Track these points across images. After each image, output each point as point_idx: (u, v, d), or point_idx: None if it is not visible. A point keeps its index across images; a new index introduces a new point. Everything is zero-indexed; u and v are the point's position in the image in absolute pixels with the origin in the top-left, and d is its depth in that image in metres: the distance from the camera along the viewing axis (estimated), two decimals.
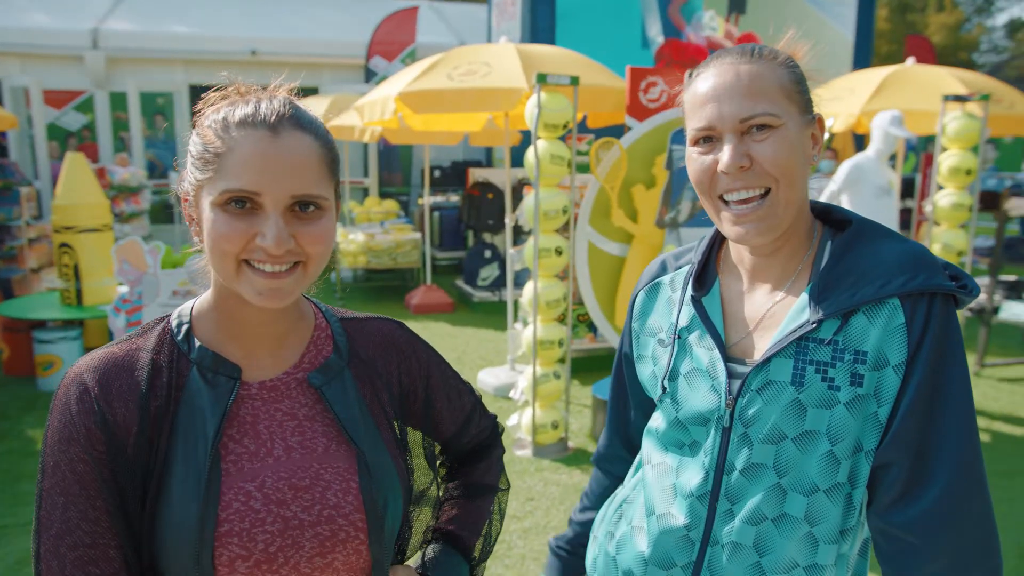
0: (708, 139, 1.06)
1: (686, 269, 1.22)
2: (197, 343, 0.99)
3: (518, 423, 4.69)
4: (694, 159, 1.08)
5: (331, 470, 1.00)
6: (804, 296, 1.07)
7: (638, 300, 1.28)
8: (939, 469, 0.99)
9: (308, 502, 0.98)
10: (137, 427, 0.93)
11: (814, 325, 1.03)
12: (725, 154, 1.03)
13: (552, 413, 4.58)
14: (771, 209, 1.04)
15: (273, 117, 0.92)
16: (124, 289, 4.87)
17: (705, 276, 1.19)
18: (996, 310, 6.41)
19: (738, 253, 1.17)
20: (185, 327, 1.00)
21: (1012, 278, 6.73)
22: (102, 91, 11.20)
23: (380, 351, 1.13)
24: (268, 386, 1.02)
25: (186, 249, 5.88)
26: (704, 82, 1.07)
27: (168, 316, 1.03)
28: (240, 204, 0.90)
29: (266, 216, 0.90)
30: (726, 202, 1.06)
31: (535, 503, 3.90)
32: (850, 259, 1.06)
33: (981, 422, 5.14)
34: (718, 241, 1.22)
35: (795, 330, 1.05)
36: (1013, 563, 3.38)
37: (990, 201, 6.19)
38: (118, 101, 11.22)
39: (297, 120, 0.94)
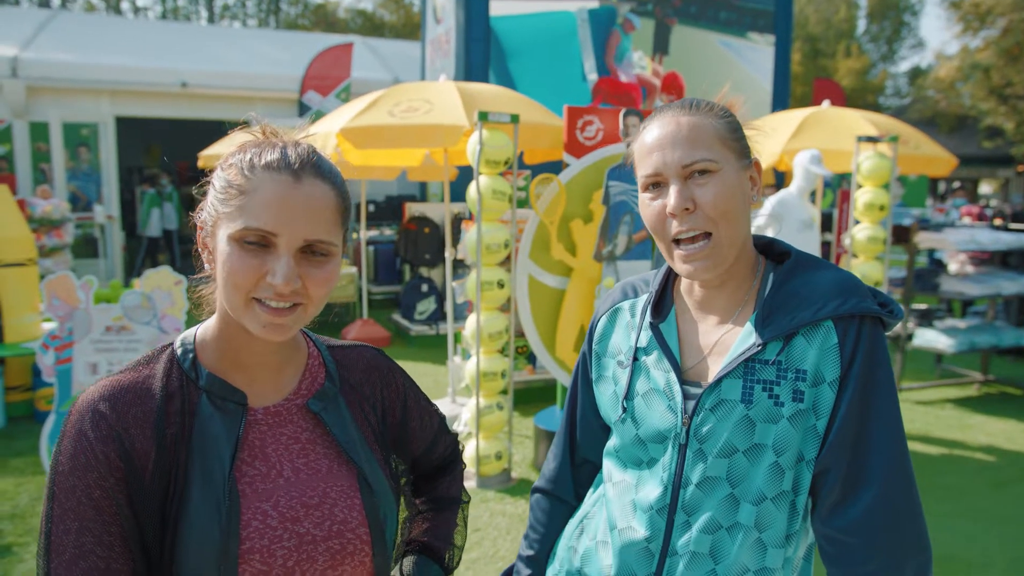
0: (656, 185, 1.18)
1: (644, 297, 1.32)
2: (205, 371, 1.04)
3: None
4: (647, 205, 1.20)
5: (336, 488, 1.07)
6: (750, 323, 1.18)
7: (599, 324, 1.38)
8: (872, 475, 1.11)
9: (319, 519, 1.04)
10: (155, 453, 0.96)
11: (760, 347, 1.14)
12: (672, 197, 1.15)
13: (496, 444, 4.62)
14: (715, 248, 1.15)
15: (297, 164, 0.99)
16: (52, 325, 4.70)
17: (662, 305, 1.30)
18: (910, 337, 6.80)
19: (688, 286, 1.28)
20: (191, 355, 1.05)
21: (923, 307, 7.16)
22: (21, 121, 10.80)
23: (365, 376, 1.21)
24: (272, 412, 1.08)
25: (114, 284, 5.70)
26: (650, 134, 1.19)
27: (171, 344, 1.08)
28: (256, 242, 0.96)
29: (278, 256, 0.96)
30: (677, 242, 1.18)
31: (482, 533, 3.93)
32: (789, 287, 1.18)
33: None
34: (673, 273, 1.33)
35: (743, 352, 1.16)
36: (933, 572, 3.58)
37: (901, 235, 6.60)
38: (39, 131, 10.83)
39: (319, 168, 1.01)
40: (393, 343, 8.54)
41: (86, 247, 10.71)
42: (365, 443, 1.14)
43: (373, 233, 10.93)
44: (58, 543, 0.92)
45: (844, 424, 1.12)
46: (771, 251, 1.28)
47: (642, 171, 1.20)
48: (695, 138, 1.15)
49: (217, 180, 1.01)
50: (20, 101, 10.65)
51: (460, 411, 5.20)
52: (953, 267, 6.90)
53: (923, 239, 6.40)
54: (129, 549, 0.94)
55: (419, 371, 7.29)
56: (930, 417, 6.08)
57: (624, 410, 1.26)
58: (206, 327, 1.09)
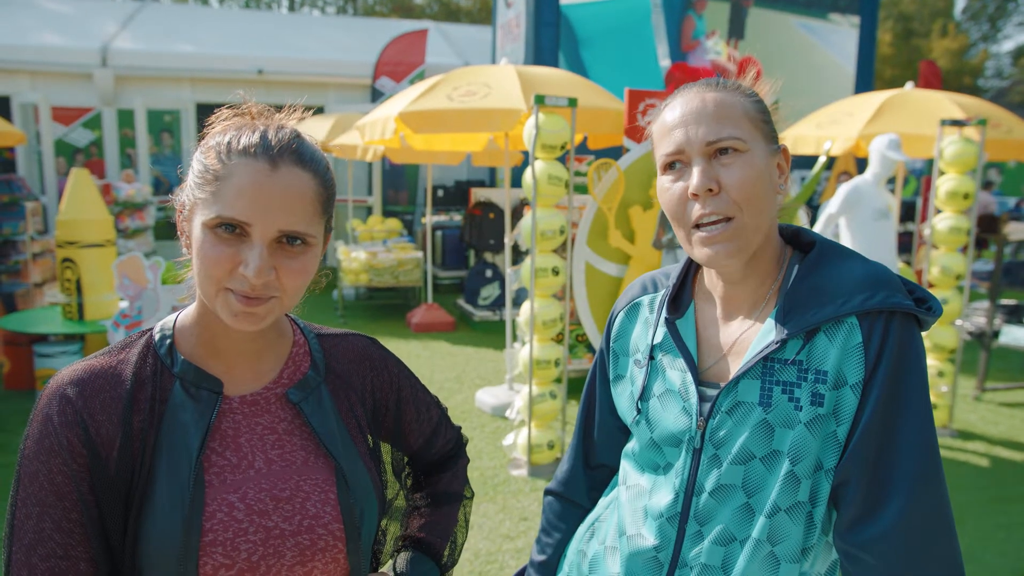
0: (677, 165, 1.09)
1: (663, 292, 1.24)
2: (180, 357, 1.02)
3: (513, 443, 4.68)
4: (666, 188, 1.10)
5: (310, 482, 1.03)
6: (770, 319, 1.08)
7: (617, 321, 1.30)
8: (896, 490, 1.00)
9: (289, 512, 1.00)
10: (120, 441, 0.95)
11: (777, 344, 1.05)
12: (695, 177, 1.05)
13: (548, 433, 4.57)
14: (737, 231, 1.05)
15: (275, 150, 0.95)
16: (124, 304, 4.90)
17: (681, 300, 1.21)
18: (996, 334, 6.39)
19: (711, 280, 1.18)
20: (168, 341, 1.03)
21: (1012, 302, 6.72)
22: (110, 108, 11.32)
23: (355, 366, 1.17)
24: (249, 400, 1.05)
25: (188, 265, 5.91)
26: (672, 111, 1.10)
27: (151, 329, 1.06)
28: (229, 229, 0.93)
29: (252, 245, 0.93)
30: (698, 226, 1.08)
31: (529, 523, 3.89)
32: (812, 280, 1.08)
33: (980, 447, 5.11)
34: (694, 267, 1.24)
35: (761, 351, 1.06)
36: None
37: (990, 225, 6.20)
38: (125, 118, 11.33)
39: (299, 155, 0.97)
40: (457, 328, 8.58)
41: (168, 229, 11.16)
42: (347, 435, 1.09)
43: (441, 218, 11.00)
44: (20, 528, 0.91)
45: (867, 432, 1.01)
46: (798, 241, 1.18)
47: (662, 150, 1.11)
48: (722, 115, 1.06)
49: (196, 163, 0.98)
50: (109, 89, 11.16)
51: (515, 398, 5.17)
52: None
53: (1014, 230, 5.99)
54: (89, 536, 0.92)
55: (480, 356, 7.30)
56: (1016, 420, 5.70)
57: (639, 411, 1.19)
58: (186, 313, 1.06)
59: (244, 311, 0.94)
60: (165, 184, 11.41)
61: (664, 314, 1.20)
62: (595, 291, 4.83)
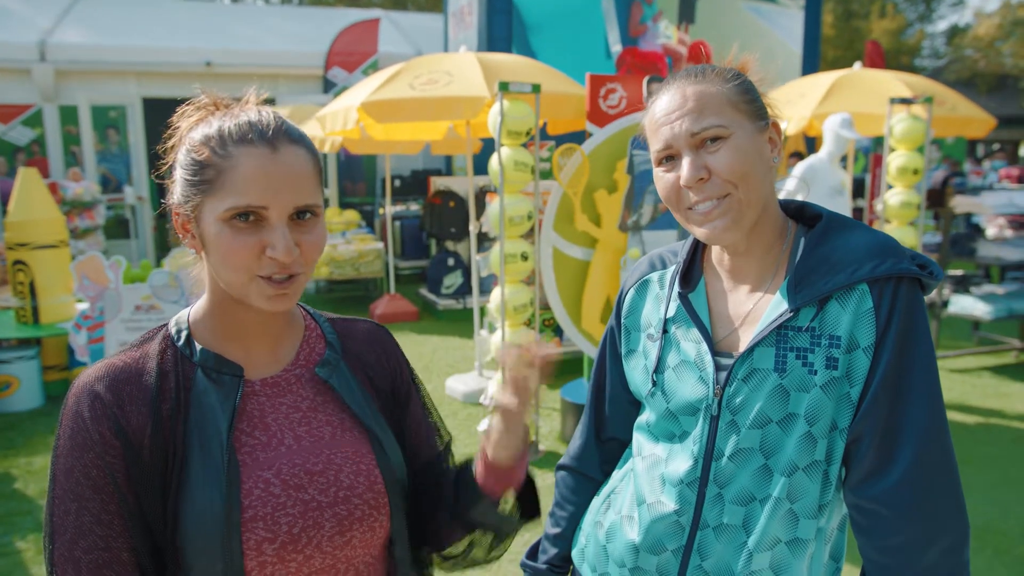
0: (670, 158, 1.15)
1: (673, 268, 1.29)
2: (199, 347, 1.04)
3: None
4: (661, 178, 1.17)
5: (341, 455, 1.06)
6: (782, 288, 1.14)
7: (627, 297, 1.34)
8: (906, 443, 1.06)
9: (324, 485, 1.03)
10: (151, 430, 0.96)
11: (791, 313, 1.10)
12: (684, 168, 1.11)
13: None
14: (732, 205, 1.11)
15: (271, 133, 0.97)
16: (84, 305, 4.78)
17: (691, 275, 1.26)
18: (945, 304, 6.65)
19: (718, 255, 1.24)
20: (185, 333, 1.05)
21: (959, 273, 6.99)
22: (51, 105, 10.94)
23: (367, 346, 1.21)
24: (270, 382, 1.08)
25: (144, 264, 5.79)
26: (658, 107, 1.17)
27: (165, 325, 1.08)
28: (245, 218, 0.95)
29: (272, 227, 0.96)
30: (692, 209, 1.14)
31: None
32: (822, 250, 1.13)
33: None
34: (702, 243, 1.29)
35: (775, 320, 1.12)
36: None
37: (937, 199, 6.43)
38: (68, 115, 10.97)
39: (289, 134, 1.00)
40: (421, 317, 8.57)
41: (118, 228, 10.87)
42: (374, 408, 1.13)
43: (399, 208, 10.93)
44: (60, 524, 0.93)
45: (879, 391, 1.07)
46: (802, 215, 1.24)
47: (654, 146, 1.17)
48: (703, 107, 1.12)
49: (185, 159, 0.99)
50: (49, 85, 10.78)
51: (486, 384, 5.20)
52: (991, 231, 6.70)
53: (959, 203, 6.22)
54: (128, 526, 0.94)
55: (447, 345, 7.31)
56: (967, 386, 5.95)
57: (654, 383, 1.23)
58: (198, 307, 1.09)
59: (277, 294, 0.98)
60: (113, 182, 11.09)
61: (677, 288, 1.24)
62: (563, 275, 4.88)
